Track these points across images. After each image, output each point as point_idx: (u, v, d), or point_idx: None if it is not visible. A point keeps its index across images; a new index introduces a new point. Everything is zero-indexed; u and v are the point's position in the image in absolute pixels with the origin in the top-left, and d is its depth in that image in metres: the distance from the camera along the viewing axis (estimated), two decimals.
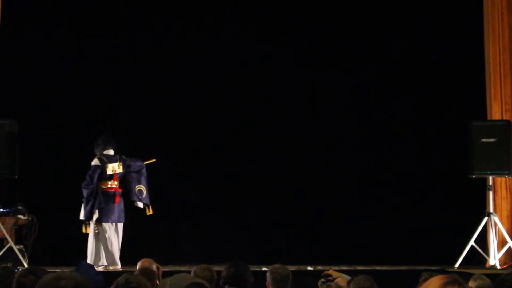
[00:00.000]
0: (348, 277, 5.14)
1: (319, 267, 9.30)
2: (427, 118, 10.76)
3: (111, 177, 9.45)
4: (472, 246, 9.28)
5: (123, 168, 9.49)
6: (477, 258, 9.44)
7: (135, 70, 10.90)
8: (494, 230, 9.44)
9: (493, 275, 5.54)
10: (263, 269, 8.36)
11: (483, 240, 9.46)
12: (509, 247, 9.46)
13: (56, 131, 10.66)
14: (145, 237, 10.31)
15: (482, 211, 9.51)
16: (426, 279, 4.42)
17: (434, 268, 8.28)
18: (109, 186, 9.45)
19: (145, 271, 5.50)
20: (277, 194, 10.81)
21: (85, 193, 9.31)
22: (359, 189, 10.81)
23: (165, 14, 11.03)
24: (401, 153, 10.76)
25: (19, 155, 9.57)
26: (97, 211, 9.28)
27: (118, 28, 10.93)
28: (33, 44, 10.73)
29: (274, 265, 5.36)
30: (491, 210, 9.50)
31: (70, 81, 10.74)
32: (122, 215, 9.44)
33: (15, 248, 9.21)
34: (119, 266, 9.31)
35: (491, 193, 9.59)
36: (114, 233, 9.40)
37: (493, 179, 9.70)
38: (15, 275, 4.47)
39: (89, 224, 9.29)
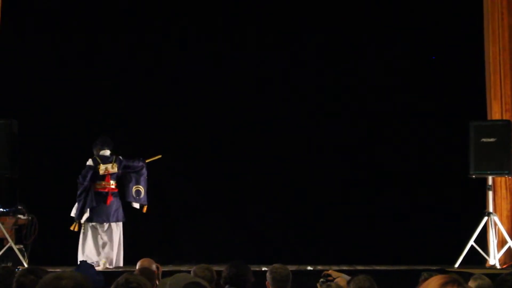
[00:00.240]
0: (347, 277, 5.14)
1: (319, 267, 9.30)
2: (427, 118, 10.76)
3: (103, 177, 9.46)
4: (472, 246, 9.28)
5: (119, 168, 9.50)
6: (477, 258, 9.43)
7: (135, 70, 10.90)
8: (494, 230, 9.44)
9: (493, 275, 5.54)
10: (263, 269, 8.36)
11: (483, 240, 9.46)
12: (509, 247, 9.46)
13: (56, 131, 10.66)
14: (145, 237, 10.31)
15: (482, 211, 9.51)
16: (426, 279, 4.42)
17: (434, 268, 8.27)
18: (101, 186, 9.48)
19: (144, 271, 5.50)
20: (277, 194, 10.81)
21: (78, 192, 9.36)
22: (359, 189, 10.80)
23: (165, 14, 11.02)
24: (401, 153, 10.76)
25: (19, 155, 9.58)
26: (88, 210, 9.31)
27: (118, 28, 10.93)
28: (33, 44, 10.73)
29: (274, 265, 5.36)
30: (491, 210, 9.50)
31: (70, 81, 10.75)
32: (118, 215, 9.43)
33: (15, 248, 9.21)
34: (119, 264, 9.31)
35: (491, 193, 9.59)
36: (107, 233, 9.41)
37: (493, 179, 9.70)
38: (15, 275, 4.47)
39: (78, 222, 9.36)
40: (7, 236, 9.24)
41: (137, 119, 10.83)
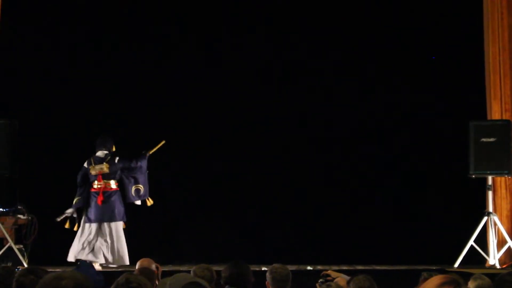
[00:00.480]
0: (346, 277, 5.14)
1: (319, 267, 9.31)
2: (427, 117, 10.76)
3: (95, 177, 9.49)
4: (471, 245, 9.28)
5: (111, 169, 9.51)
6: (477, 258, 9.44)
7: (135, 70, 10.89)
8: (493, 229, 9.44)
9: (493, 274, 5.54)
10: (263, 268, 8.36)
11: (482, 239, 9.46)
12: (509, 246, 9.46)
13: (56, 131, 10.66)
14: (145, 237, 10.31)
15: (482, 210, 9.51)
16: (426, 279, 4.42)
17: (434, 268, 8.28)
18: (94, 186, 9.52)
19: (144, 270, 5.50)
20: (277, 194, 10.81)
21: None
22: (359, 189, 10.80)
23: (165, 13, 11.02)
24: (401, 153, 10.76)
25: (19, 155, 9.57)
26: (71, 210, 9.45)
27: (118, 28, 10.93)
28: (33, 44, 10.73)
29: (274, 264, 5.36)
30: (491, 210, 9.50)
31: (70, 81, 10.75)
32: (112, 215, 9.43)
33: (15, 247, 9.21)
34: (122, 263, 9.33)
35: (490, 192, 9.59)
36: (100, 232, 9.42)
37: (493, 179, 9.70)
38: (15, 274, 4.47)
39: (65, 217, 9.45)
40: (7, 236, 9.24)
41: (137, 119, 10.83)
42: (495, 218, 9.49)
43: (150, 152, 9.72)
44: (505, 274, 4.53)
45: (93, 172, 9.52)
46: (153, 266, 5.80)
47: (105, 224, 9.43)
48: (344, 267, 9.28)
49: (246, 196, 10.87)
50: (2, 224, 9.35)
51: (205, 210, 10.81)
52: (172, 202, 10.86)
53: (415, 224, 10.41)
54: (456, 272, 7.60)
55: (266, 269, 5.94)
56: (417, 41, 10.81)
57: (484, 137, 9.50)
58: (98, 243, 9.39)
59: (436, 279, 2.57)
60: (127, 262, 9.35)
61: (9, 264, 8.48)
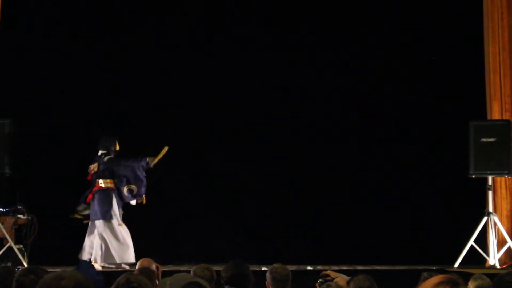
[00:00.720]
0: (346, 277, 5.14)
1: (319, 267, 9.30)
2: (427, 117, 10.76)
3: (92, 176, 9.55)
4: (471, 245, 9.28)
5: (100, 167, 9.55)
6: (477, 258, 9.44)
7: (135, 70, 10.89)
8: (493, 229, 9.44)
9: (493, 274, 5.54)
10: (263, 268, 8.36)
11: (483, 239, 9.46)
12: (509, 247, 9.46)
13: (56, 131, 10.66)
14: (145, 237, 10.30)
15: (482, 210, 9.51)
16: (426, 279, 4.42)
17: (434, 268, 8.27)
18: (92, 185, 9.58)
19: (144, 270, 5.50)
20: (277, 194, 10.81)
21: None
22: (359, 189, 10.81)
23: (165, 13, 11.02)
24: (401, 153, 10.76)
25: (19, 154, 9.58)
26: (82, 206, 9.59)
27: (119, 28, 10.93)
28: (33, 44, 10.73)
29: (273, 264, 5.36)
30: (491, 210, 9.50)
31: (70, 81, 10.75)
32: (98, 213, 9.44)
33: (15, 247, 9.21)
34: (112, 261, 9.33)
35: (490, 192, 9.59)
36: (90, 230, 9.47)
37: (493, 179, 9.70)
38: (15, 274, 4.47)
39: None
40: (7, 236, 9.24)
41: (137, 119, 10.83)
42: (495, 218, 9.48)
43: (154, 162, 9.59)
44: (504, 274, 4.54)
45: (89, 171, 9.57)
46: (153, 266, 5.81)
47: (95, 222, 9.48)
48: (344, 267, 9.28)
49: (246, 196, 10.87)
50: (2, 224, 9.35)
51: (205, 210, 10.81)
52: (172, 202, 10.86)
53: (415, 224, 10.41)
54: (456, 272, 7.60)
55: (266, 269, 5.94)
56: (417, 41, 10.81)
57: (484, 137, 9.50)
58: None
59: (434, 279, 2.57)
60: (117, 260, 9.28)
61: (9, 264, 8.47)
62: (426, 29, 10.77)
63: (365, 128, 10.94)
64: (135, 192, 9.54)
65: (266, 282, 5.27)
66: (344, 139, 10.91)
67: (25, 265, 9.00)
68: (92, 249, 9.39)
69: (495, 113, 9.90)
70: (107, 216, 9.45)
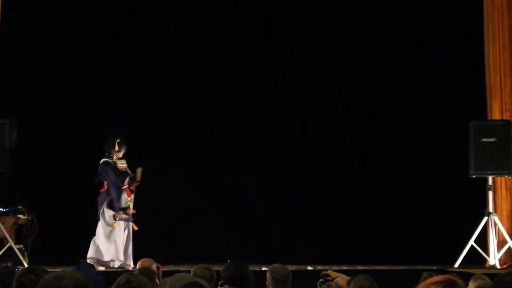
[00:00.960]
0: (346, 277, 5.14)
1: (319, 267, 9.30)
2: (427, 117, 10.76)
3: None
4: (472, 246, 9.28)
5: (99, 169, 9.59)
6: (477, 258, 9.43)
7: (135, 70, 10.90)
8: (494, 230, 9.43)
9: (493, 275, 5.54)
10: (263, 268, 8.36)
11: (483, 240, 9.46)
12: (509, 247, 9.46)
13: (56, 131, 10.66)
14: (146, 237, 10.30)
15: (482, 211, 9.51)
16: (426, 279, 4.42)
17: (434, 268, 8.28)
18: None
19: (145, 270, 5.50)
20: (277, 194, 10.81)
21: None
22: (359, 189, 10.81)
23: (165, 13, 11.02)
24: (402, 153, 10.76)
25: (19, 155, 9.57)
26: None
27: (119, 28, 10.92)
28: (33, 44, 10.73)
29: (274, 264, 5.35)
30: (491, 210, 9.50)
31: (70, 81, 10.75)
32: (98, 212, 9.51)
33: (15, 247, 9.21)
34: (99, 258, 9.34)
35: (491, 193, 9.59)
36: None
37: (493, 179, 9.70)
38: (15, 274, 4.47)
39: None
40: (7, 236, 9.23)
41: (137, 119, 10.83)
42: (495, 218, 9.48)
43: (137, 179, 9.51)
44: (504, 274, 4.53)
45: None
46: (154, 266, 5.81)
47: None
48: (344, 267, 9.28)
49: (246, 196, 10.87)
50: (2, 224, 9.35)
51: (205, 210, 10.80)
52: (172, 202, 10.85)
53: (416, 224, 10.41)
54: (456, 272, 7.59)
55: (266, 269, 5.94)
56: (417, 41, 10.81)
57: (484, 137, 9.50)
58: None
59: (430, 279, 2.57)
60: (103, 258, 9.23)
61: (9, 264, 8.47)
62: (426, 29, 10.77)
63: (365, 128, 10.94)
64: (113, 203, 9.49)
65: (266, 282, 5.27)
66: (344, 139, 10.90)
67: (25, 265, 8.99)
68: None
69: (495, 113, 9.90)
70: (100, 217, 9.48)
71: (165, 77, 10.94)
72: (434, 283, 2.51)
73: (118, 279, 3.33)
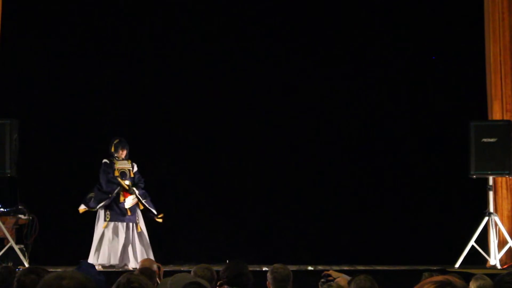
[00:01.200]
0: (348, 277, 5.14)
1: (320, 267, 9.31)
2: (428, 117, 10.75)
3: None
4: (472, 246, 9.28)
5: None
6: (478, 258, 9.43)
7: (136, 70, 10.89)
8: (494, 230, 9.44)
9: (494, 275, 5.54)
10: (264, 268, 8.36)
11: (483, 240, 9.46)
12: (510, 247, 9.46)
13: (57, 131, 10.66)
14: None
15: (483, 211, 9.51)
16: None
17: (435, 268, 8.28)
18: None
19: (145, 270, 5.50)
20: (277, 194, 10.81)
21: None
22: (360, 189, 10.80)
23: (165, 14, 11.02)
24: (402, 153, 10.76)
25: (20, 154, 9.58)
26: None
27: (119, 28, 10.92)
28: (34, 44, 10.72)
29: (274, 264, 5.35)
30: (492, 210, 9.50)
31: (71, 81, 10.74)
32: None
33: (16, 247, 9.21)
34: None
35: (491, 193, 9.59)
36: None
37: (494, 179, 9.70)
38: (16, 274, 4.47)
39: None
40: (7, 235, 9.24)
41: (138, 120, 10.82)
42: (496, 218, 9.48)
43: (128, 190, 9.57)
44: (505, 275, 4.53)
45: None
46: (155, 266, 5.81)
47: None
48: (345, 267, 9.28)
49: (247, 196, 10.86)
50: (3, 223, 9.35)
51: (206, 210, 10.80)
52: (173, 202, 10.84)
53: (416, 224, 10.40)
54: (457, 273, 7.60)
55: (267, 269, 5.95)
56: (418, 41, 10.80)
57: (485, 137, 9.50)
58: None
59: (427, 280, 2.57)
60: (89, 259, 9.23)
61: (10, 263, 8.48)
62: (427, 29, 10.76)
63: (365, 128, 10.93)
64: (86, 200, 9.47)
65: (267, 282, 5.27)
66: (344, 139, 10.90)
67: (26, 265, 8.99)
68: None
69: (496, 113, 9.90)
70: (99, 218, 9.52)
71: (165, 76, 10.93)
72: (428, 283, 2.51)
73: (119, 279, 3.33)
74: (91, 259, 9.20)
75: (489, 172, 9.53)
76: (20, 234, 9.75)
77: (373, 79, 10.91)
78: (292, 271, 5.36)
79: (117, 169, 9.52)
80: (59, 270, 4.31)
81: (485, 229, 9.46)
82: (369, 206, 10.71)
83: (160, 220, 9.58)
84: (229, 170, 10.82)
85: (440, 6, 10.72)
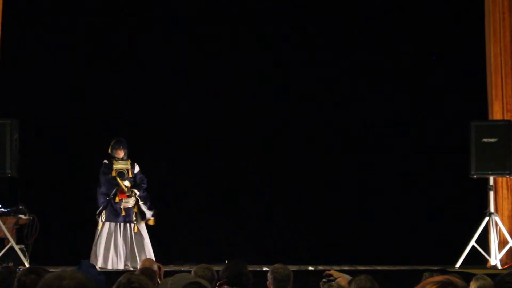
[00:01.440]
0: (349, 277, 5.15)
1: (320, 267, 9.30)
2: (428, 118, 10.75)
3: None
4: (473, 246, 9.28)
5: None
6: (478, 258, 9.43)
7: (136, 69, 10.89)
8: (495, 230, 9.43)
9: (494, 275, 5.54)
10: (264, 269, 8.36)
11: (484, 240, 9.46)
12: (510, 247, 9.46)
13: (57, 131, 10.66)
14: None
15: (483, 211, 9.51)
16: (427, 279, 4.42)
17: (435, 268, 8.28)
18: None
19: (146, 270, 5.50)
20: (277, 193, 10.80)
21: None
22: (360, 189, 10.80)
23: (165, 14, 11.02)
24: (402, 153, 10.75)
25: (20, 154, 9.58)
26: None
27: (119, 28, 10.92)
28: (35, 43, 10.73)
29: (275, 264, 5.35)
30: (492, 210, 9.50)
31: (71, 81, 10.74)
32: None
33: (16, 247, 9.21)
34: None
35: (492, 193, 9.59)
36: None
37: (494, 179, 9.70)
38: (16, 274, 4.47)
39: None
40: (8, 235, 9.24)
41: (138, 120, 10.82)
42: (497, 218, 9.48)
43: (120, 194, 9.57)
44: (505, 275, 4.53)
45: None
46: (155, 266, 5.81)
47: None
48: (345, 267, 9.28)
49: (246, 196, 10.86)
50: (4, 224, 9.35)
51: (205, 210, 10.80)
52: (173, 202, 10.85)
53: (416, 224, 10.40)
54: (457, 273, 7.60)
55: (267, 269, 5.95)
56: (418, 41, 10.80)
57: (486, 137, 9.50)
58: None
59: (428, 280, 2.56)
60: (93, 261, 9.26)
61: (11, 263, 8.47)
62: (427, 29, 10.76)
63: (365, 129, 10.92)
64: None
65: (268, 282, 5.27)
66: (344, 139, 10.89)
67: (27, 265, 9.00)
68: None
69: (496, 113, 9.90)
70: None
71: (165, 76, 10.93)
72: (429, 283, 2.51)
73: (120, 279, 3.33)
74: (91, 260, 9.21)
75: (490, 172, 9.53)
76: (20, 234, 9.75)
77: (373, 79, 10.90)
78: (293, 271, 5.36)
79: (115, 169, 9.52)
80: (59, 270, 4.31)
81: (486, 229, 9.47)
82: (369, 206, 10.70)
83: (152, 223, 9.57)
84: (229, 170, 10.82)
85: (440, 6, 10.72)
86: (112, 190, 9.44)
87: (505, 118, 9.83)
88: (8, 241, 9.24)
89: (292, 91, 11.00)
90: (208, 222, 10.71)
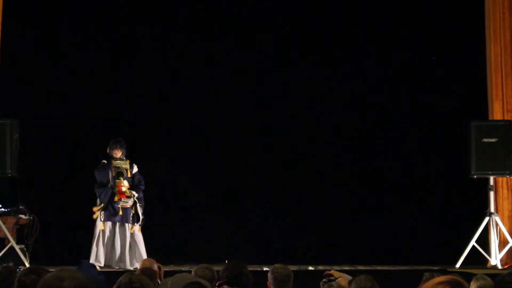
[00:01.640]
0: (349, 277, 5.15)
1: (320, 267, 9.30)
2: (428, 118, 10.75)
3: None
4: (473, 246, 9.28)
5: None
6: (479, 258, 9.43)
7: (136, 69, 10.89)
8: (495, 230, 9.43)
9: (495, 275, 5.54)
10: (264, 268, 8.36)
11: (484, 240, 9.46)
12: (511, 247, 9.46)
13: (57, 131, 10.66)
14: (146, 237, 10.29)
15: (483, 211, 9.51)
16: (428, 279, 4.42)
17: (435, 268, 8.28)
18: None
19: (146, 270, 5.50)
20: (277, 193, 10.80)
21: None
22: (360, 189, 10.80)
23: (166, 14, 11.02)
24: (402, 153, 10.76)
25: (20, 154, 9.58)
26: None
27: (119, 28, 10.92)
28: (35, 43, 10.73)
29: (275, 264, 5.35)
30: (492, 210, 9.50)
31: (71, 81, 10.74)
32: None
33: (17, 247, 9.21)
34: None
35: (492, 193, 9.59)
36: None
37: (494, 179, 9.70)
38: (17, 274, 4.47)
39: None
40: (8, 235, 9.24)
41: (138, 120, 10.82)
42: (497, 218, 9.48)
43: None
44: (505, 275, 4.52)
45: None
46: (155, 266, 5.81)
47: None
48: (346, 267, 9.28)
49: (247, 196, 10.86)
50: (4, 224, 9.35)
51: (205, 210, 10.80)
52: (173, 203, 10.85)
53: (416, 224, 10.40)
54: (457, 273, 7.60)
55: (267, 269, 5.95)
56: (419, 41, 10.80)
57: (486, 137, 9.50)
58: None
59: (436, 279, 2.56)
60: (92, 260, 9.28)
61: (11, 263, 8.46)
62: (428, 29, 10.76)
63: (366, 129, 10.93)
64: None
65: (268, 282, 5.27)
66: (344, 139, 10.90)
67: (27, 265, 9.00)
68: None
69: (496, 113, 9.90)
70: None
71: (165, 76, 10.93)
72: (440, 283, 2.50)
73: (120, 279, 3.33)
74: (91, 260, 9.21)
75: (490, 172, 9.53)
76: (20, 234, 9.75)
77: (373, 79, 10.90)
78: (293, 271, 5.36)
79: (114, 169, 9.52)
80: (58, 269, 4.30)
81: (486, 229, 9.46)
82: (369, 206, 10.71)
83: (139, 229, 9.57)
84: (229, 170, 10.82)
85: (440, 6, 10.71)
86: (107, 177, 9.46)
87: (505, 118, 9.83)
88: (8, 241, 9.25)
89: (292, 91, 10.99)
90: (208, 222, 10.71)
